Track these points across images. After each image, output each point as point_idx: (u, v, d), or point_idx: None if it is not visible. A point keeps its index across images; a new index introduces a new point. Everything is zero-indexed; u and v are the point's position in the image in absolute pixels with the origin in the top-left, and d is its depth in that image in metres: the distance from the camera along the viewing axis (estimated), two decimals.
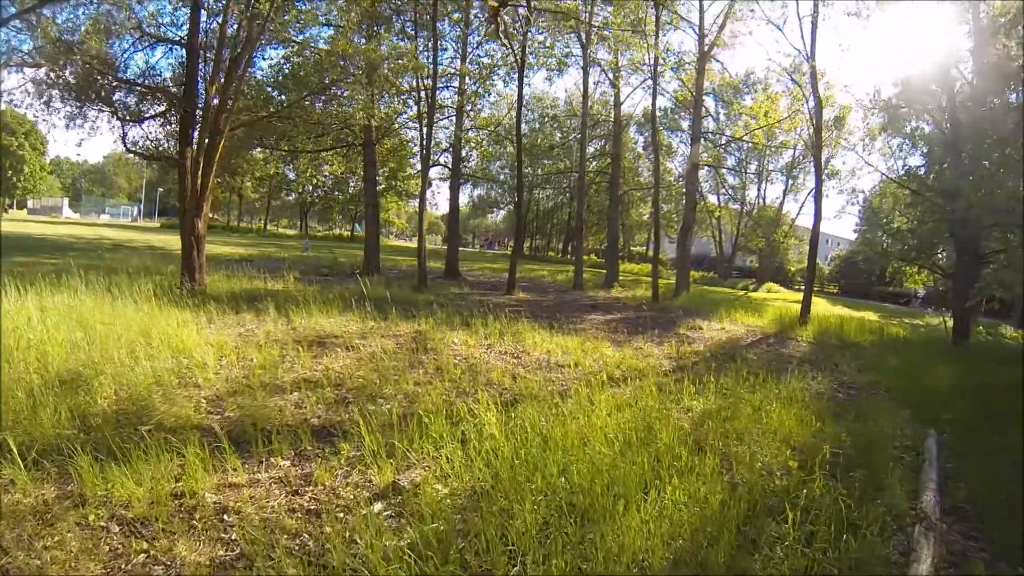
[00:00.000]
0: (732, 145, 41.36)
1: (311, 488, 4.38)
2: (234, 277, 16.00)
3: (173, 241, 31.19)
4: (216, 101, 14.64)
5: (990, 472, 5.69)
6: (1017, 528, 4.50)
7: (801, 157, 42.94)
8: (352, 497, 4.25)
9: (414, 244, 60.71)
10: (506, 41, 19.99)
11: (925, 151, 25.80)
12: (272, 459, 4.78)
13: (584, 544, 3.61)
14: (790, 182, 47.09)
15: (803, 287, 48.81)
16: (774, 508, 4.33)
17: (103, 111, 16.72)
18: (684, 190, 42.12)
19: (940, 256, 25.97)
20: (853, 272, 47.89)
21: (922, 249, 25.78)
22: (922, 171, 26.56)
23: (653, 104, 23.50)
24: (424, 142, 21.46)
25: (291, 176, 50.97)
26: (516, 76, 22.57)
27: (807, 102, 21.02)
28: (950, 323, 27.76)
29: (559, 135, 44.38)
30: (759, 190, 48.75)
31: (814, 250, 21.62)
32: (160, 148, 19.79)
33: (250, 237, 50.23)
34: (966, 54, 20.09)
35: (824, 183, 44.58)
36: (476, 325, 11.02)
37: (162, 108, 17.39)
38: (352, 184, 50.23)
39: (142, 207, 67.82)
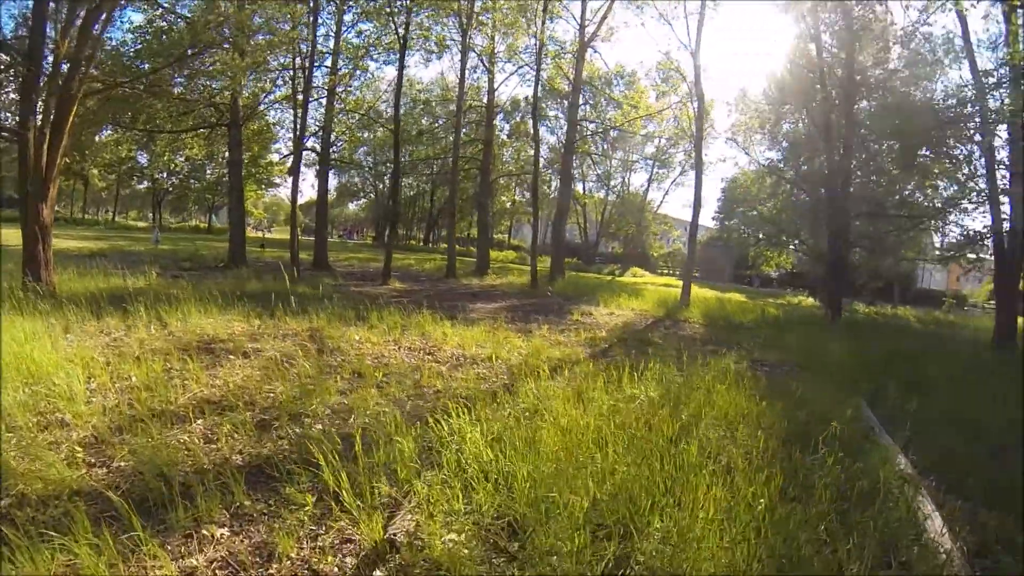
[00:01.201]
0: (599, 134, 42.02)
1: (275, 567, 3.14)
2: (87, 274, 13.86)
3: (7, 235, 27.90)
4: (67, 62, 12.19)
5: (931, 436, 5.86)
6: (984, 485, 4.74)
7: (667, 146, 44.32)
8: (337, 571, 3.17)
9: (272, 235, 57.95)
10: (390, 19, 18.99)
11: (785, 146, 27.91)
12: (203, 529, 3.41)
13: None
14: (654, 170, 48.61)
15: (665, 271, 51.57)
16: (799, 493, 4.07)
17: None
18: (553, 176, 43.25)
19: (801, 242, 28.31)
20: (712, 256, 50.33)
21: (789, 235, 28.05)
22: (781, 164, 28.89)
23: (536, 89, 23.41)
24: (299, 123, 20.05)
25: (142, 162, 46.49)
26: (393, 56, 21.79)
27: (692, 98, 21.49)
28: (810, 300, 30.39)
29: (425, 121, 43.36)
30: (624, 178, 50.08)
31: (694, 237, 22.34)
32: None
33: (97, 229, 45.11)
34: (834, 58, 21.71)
35: (685, 173, 47.15)
36: (371, 319, 10.26)
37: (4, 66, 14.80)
38: (209, 171, 46.87)
39: None
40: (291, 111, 26.11)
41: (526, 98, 39.32)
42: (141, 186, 60.34)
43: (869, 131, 21.76)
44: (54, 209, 13.04)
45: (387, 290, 18.21)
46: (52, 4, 12.40)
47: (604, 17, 24.45)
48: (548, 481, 3.86)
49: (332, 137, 27.80)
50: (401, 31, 19.96)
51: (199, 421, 5.03)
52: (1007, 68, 16.20)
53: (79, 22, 12.29)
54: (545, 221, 55.49)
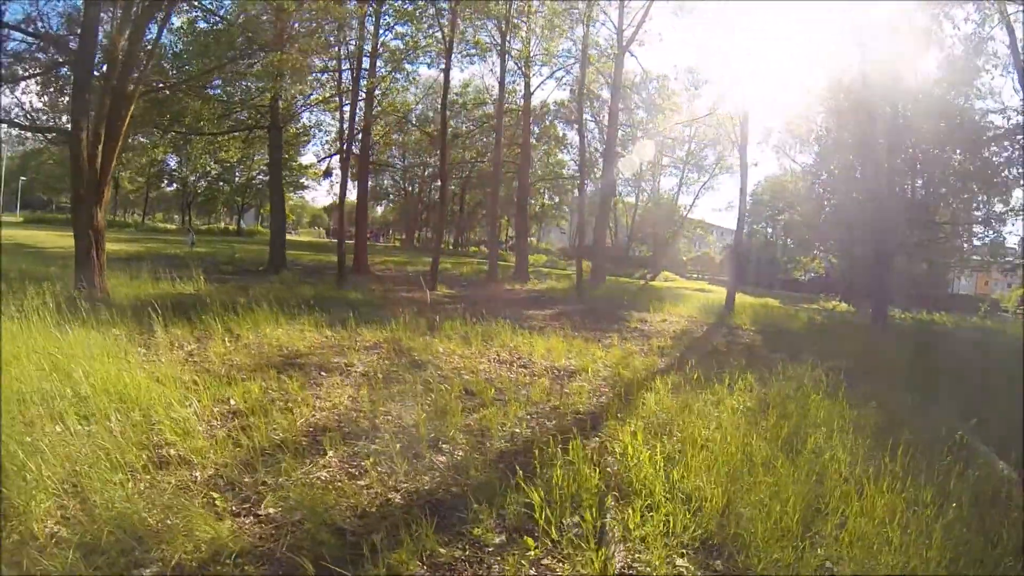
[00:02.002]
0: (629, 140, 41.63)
1: None
2: (136, 279, 13.64)
3: (43, 238, 27.95)
4: (122, 61, 11.92)
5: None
6: None
7: (697, 150, 43.94)
8: None
9: (300, 237, 57.96)
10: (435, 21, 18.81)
11: (816, 150, 27.69)
12: None
13: None
14: (685, 173, 48.25)
15: (695, 275, 51.16)
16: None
17: None
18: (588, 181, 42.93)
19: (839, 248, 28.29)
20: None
21: (824, 240, 28.03)
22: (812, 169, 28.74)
23: (580, 91, 23.08)
24: (350, 123, 19.88)
25: (171, 165, 46.70)
26: (427, 59, 21.72)
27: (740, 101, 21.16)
28: (844, 306, 30.04)
29: (455, 123, 43.14)
30: (654, 181, 49.71)
31: (739, 244, 22.06)
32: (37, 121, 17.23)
33: (128, 232, 44.87)
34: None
35: (715, 177, 46.74)
36: (444, 328, 10.03)
37: (48, 65, 14.78)
38: (238, 174, 46.98)
39: (0, 199, 59.68)
40: (327, 114, 26.16)
41: (556, 102, 39.05)
42: (170, 188, 60.48)
43: (918, 140, 21.69)
44: (107, 213, 12.81)
45: (436, 296, 17.95)
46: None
47: (641, 22, 24.24)
48: (735, 497, 3.97)
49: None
50: (446, 31, 19.70)
51: (330, 453, 4.56)
52: None
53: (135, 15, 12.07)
54: (574, 226, 55.35)
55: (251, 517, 3.60)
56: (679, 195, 50.14)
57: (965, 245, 25.61)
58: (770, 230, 53.32)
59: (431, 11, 19.74)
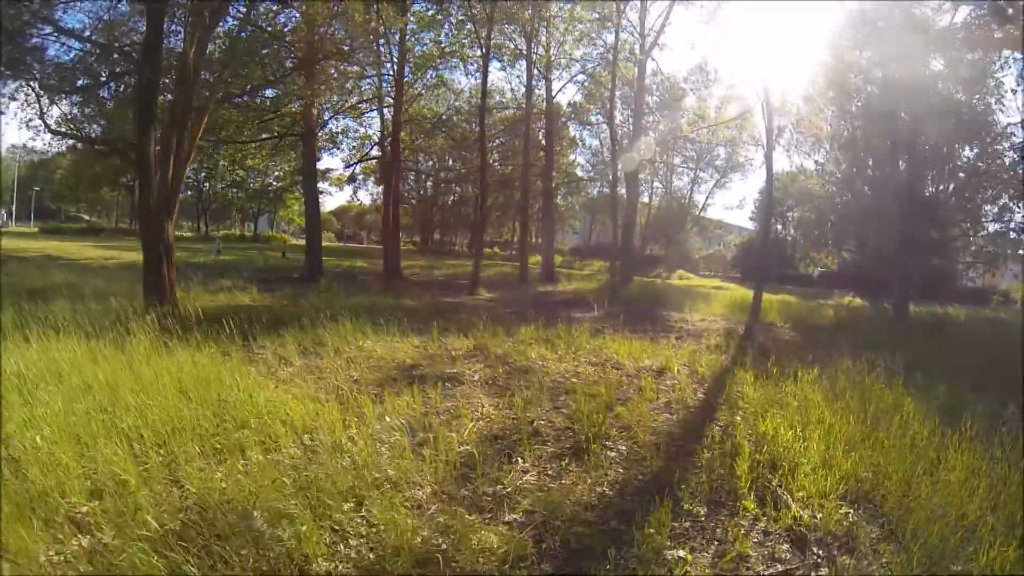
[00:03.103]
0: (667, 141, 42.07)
1: None
2: (189, 291, 14.08)
3: (69, 249, 28.47)
4: (193, 70, 11.87)
5: None
6: None
7: (710, 149, 44.37)
8: None
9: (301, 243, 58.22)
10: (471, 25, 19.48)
11: (825, 148, 28.30)
12: None
13: None
14: (697, 172, 48.71)
15: (707, 273, 51.63)
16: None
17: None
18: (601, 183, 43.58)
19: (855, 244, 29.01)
20: (751, 257, 50.29)
21: (838, 237, 28.72)
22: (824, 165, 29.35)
23: (612, 94, 23.69)
24: (393, 127, 20.44)
25: (188, 172, 47.13)
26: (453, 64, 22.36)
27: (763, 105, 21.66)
28: (858, 301, 30.67)
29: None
30: (666, 180, 50.18)
31: (764, 245, 22.56)
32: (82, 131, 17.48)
33: None
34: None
35: (727, 175, 47.24)
36: (521, 334, 10.69)
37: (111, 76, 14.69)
38: (252, 181, 47.59)
39: (14, 210, 59.82)
40: (352, 120, 26.72)
41: (570, 103, 39.61)
42: (184, 195, 60.74)
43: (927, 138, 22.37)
44: (175, 228, 12.89)
45: (481, 300, 18.53)
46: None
47: (662, 28, 24.84)
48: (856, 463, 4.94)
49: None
50: (483, 38, 20.28)
51: (519, 460, 4.99)
52: None
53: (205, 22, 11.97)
54: (588, 225, 55.82)
55: (503, 525, 3.92)
56: (692, 193, 50.75)
57: (979, 240, 26.24)
58: (780, 227, 53.79)
59: (463, 18, 20.37)
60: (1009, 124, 20.58)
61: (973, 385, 8.73)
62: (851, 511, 4.30)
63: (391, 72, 22.79)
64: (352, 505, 3.98)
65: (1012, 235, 21.18)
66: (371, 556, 3.47)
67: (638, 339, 10.91)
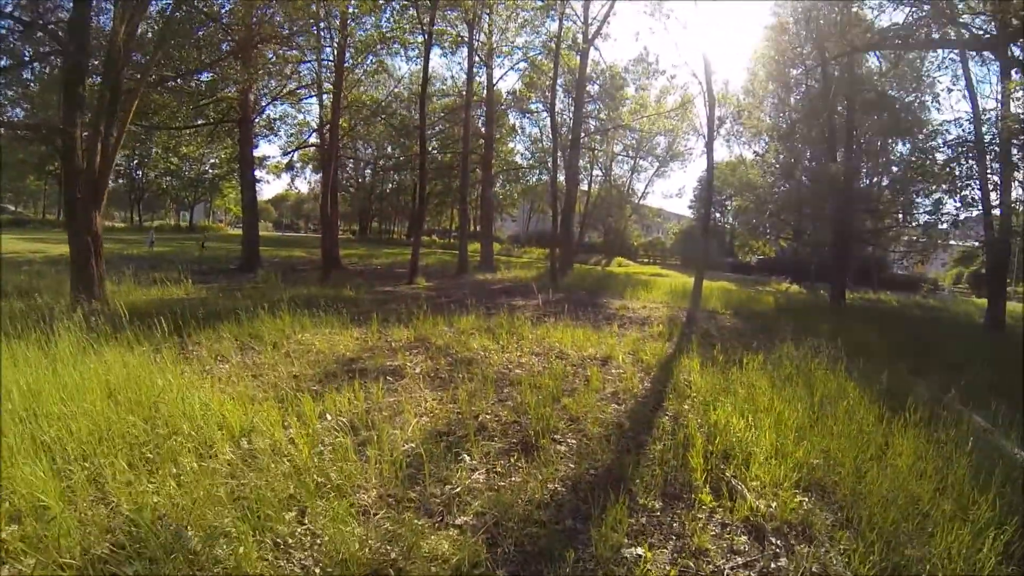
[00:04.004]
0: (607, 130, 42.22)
1: None
2: (120, 283, 13.41)
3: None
4: (122, 51, 11.07)
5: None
6: None
7: (650, 138, 44.73)
8: None
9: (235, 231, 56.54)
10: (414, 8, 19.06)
11: (764, 139, 29.13)
12: None
13: None
14: (636, 161, 49.11)
15: (646, 261, 52.34)
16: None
17: None
18: (541, 171, 43.60)
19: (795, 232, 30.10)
20: (690, 245, 51.18)
21: (777, 226, 29.76)
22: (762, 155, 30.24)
23: (554, 84, 23.56)
24: (332, 114, 19.89)
25: (118, 160, 45.03)
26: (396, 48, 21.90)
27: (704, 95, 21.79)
28: (795, 287, 31.68)
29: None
30: (605, 168, 50.45)
31: (705, 232, 22.81)
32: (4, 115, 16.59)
33: None
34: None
35: (668, 164, 47.88)
36: (461, 324, 10.49)
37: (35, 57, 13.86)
38: (187, 169, 45.92)
39: None
40: (291, 106, 25.97)
41: (510, 92, 39.36)
42: (115, 184, 58.01)
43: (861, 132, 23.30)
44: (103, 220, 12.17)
45: (420, 289, 18.21)
46: None
47: (606, 17, 24.78)
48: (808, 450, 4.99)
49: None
50: (426, 24, 19.84)
51: (466, 457, 4.70)
52: None
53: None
54: (527, 213, 55.85)
55: (454, 529, 3.69)
56: (631, 182, 51.21)
57: (913, 231, 27.46)
58: (719, 215, 54.92)
59: (406, 3, 19.90)
60: (944, 122, 21.49)
61: (912, 370, 9.11)
62: (805, 499, 4.26)
63: (331, 57, 22.04)
64: (294, 515, 3.68)
65: (942, 227, 21.94)
66: (316, 571, 3.20)
67: (580, 327, 10.73)
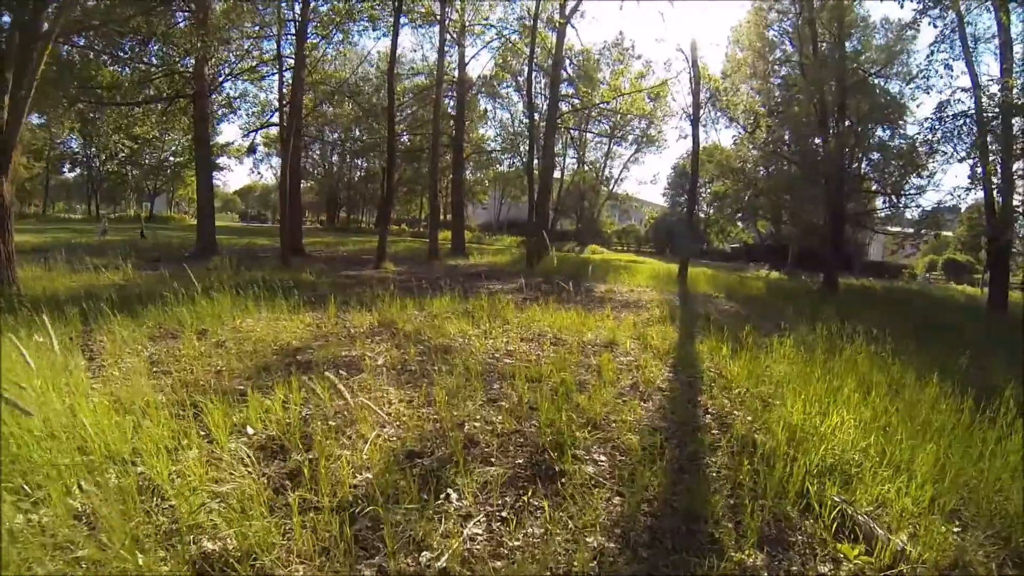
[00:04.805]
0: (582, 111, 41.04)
1: None
2: (51, 270, 11.73)
3: None
4: None
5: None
6: None
7: (623, 124, 43.48)
8: None
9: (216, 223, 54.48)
10: None
11: (741, 124, 28.41)
12: None
13: None
14: (611, 147, 47.95)
15: (620, 248, 51.47)
16: None
17: None
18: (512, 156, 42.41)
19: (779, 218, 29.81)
20: (665, 232, 50.29)
21: (760, 211, 29.51)
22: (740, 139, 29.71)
23: (531, 64, 22.22)
24: (296, 92, 18.22)
25: (73, 147, 42.67)
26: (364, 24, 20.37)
27: (689, 72, 20.63)
28: (775, 273, 31.11)
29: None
30: (579, 154, 49.16)
31: (691, 218, 22.03)
32: None
33: (29, 222, 39.89)
34: None
35: (643, 150, 46.88)
36: (435, 307, 9.05)
37: None
38: (148, 156, 43.71)
39: None
40: (252, 84, 24.23)
41: (481, 76, 37.90)
42: (72, 174, 55.46)
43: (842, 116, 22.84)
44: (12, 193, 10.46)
45: (388, 274, 16.89)
46: None
47: None
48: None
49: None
50: None
51: (452, 494, 3.20)
52: None
53: None
54: (498, 200, 54.58)
55: None
56: (605, 168, 50.04)
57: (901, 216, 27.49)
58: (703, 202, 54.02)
59: None
60: (941, 101, 20.94)
61: (945, 351, 8.12)
62: (955, 529, 3.01)
63: (292, 31, 20.23)
64: None
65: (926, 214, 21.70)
66: None
67: (570, 310, 9.44)
